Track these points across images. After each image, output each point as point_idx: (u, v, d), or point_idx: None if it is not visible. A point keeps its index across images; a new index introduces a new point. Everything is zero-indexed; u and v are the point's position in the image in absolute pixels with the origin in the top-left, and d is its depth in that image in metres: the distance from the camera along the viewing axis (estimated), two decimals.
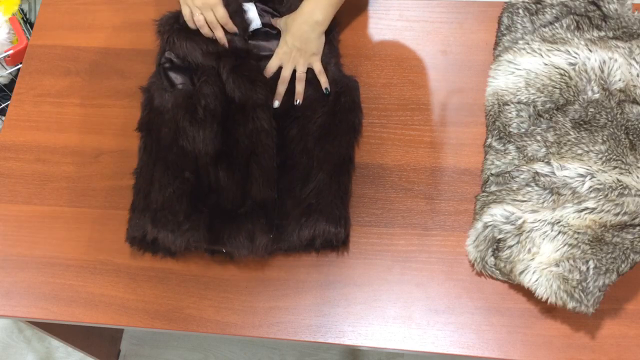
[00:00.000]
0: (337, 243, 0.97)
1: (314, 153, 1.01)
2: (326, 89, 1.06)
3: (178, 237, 0.95)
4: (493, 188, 0.98)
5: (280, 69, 1.08)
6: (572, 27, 1.06)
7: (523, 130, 1.01)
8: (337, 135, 1.03)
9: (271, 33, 1.13)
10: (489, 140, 1.03)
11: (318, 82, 1.07)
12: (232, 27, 1.06)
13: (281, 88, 1.07)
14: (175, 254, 0.98)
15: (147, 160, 1.02)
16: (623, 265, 0.87)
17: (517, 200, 0.94)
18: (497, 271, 0.94)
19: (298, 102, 1.06)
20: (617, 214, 0.88)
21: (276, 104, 1.06)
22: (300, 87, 1.07)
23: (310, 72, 1.08)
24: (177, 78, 1.08)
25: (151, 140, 1.03)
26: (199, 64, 1.07)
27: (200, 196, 0.97)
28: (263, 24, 1.13)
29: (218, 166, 0.99)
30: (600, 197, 0.90)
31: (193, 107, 1.02)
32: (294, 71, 1.08)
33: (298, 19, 1.05)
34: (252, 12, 1.11)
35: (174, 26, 1.09)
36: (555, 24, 1.08)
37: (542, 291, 0.88)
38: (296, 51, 1.06)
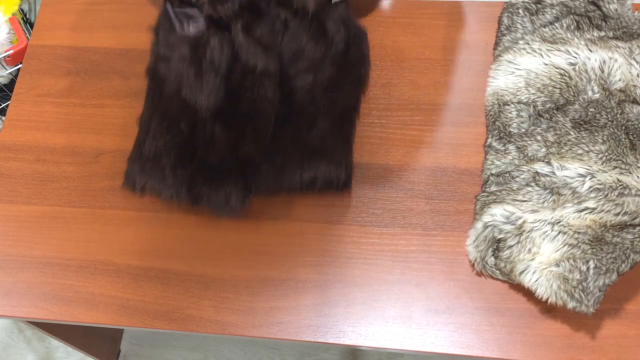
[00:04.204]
0: (337, 185, 1.00)
1: (321, 102, 1.03)
2: None
3: (163, 189, 0.99)
4: (493, 188, 0.98)
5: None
6: (572, 27, 1.06)
7: (523, 130, 1.01)
8: (343, 86, 1.05)
9: None
10: (489, 140, 1.03)
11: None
12: None
13: None
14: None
15: (148, 108, 1.05)
16: (623, 265, 0.87)
17: (517, 200, 0.94)
18: (497, 271, 0.94)
19: None
20: (618, 214, 0.88)
21: None
22: None
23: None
24: (187, 18, 1.05)
25: (154, 87, 1.05)
26: (210, 11, 1.03)
27: (190, 149, 1.00)
28: None
29: (216, 121, 1.00)
30: (601, 197, 0.90)
31: (198, 59, 1.01)
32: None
33: None
34: None
35: None
36: (555, 24, 1.08)
37: (542, 291, 0.88)
38: None
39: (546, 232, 0.90)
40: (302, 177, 0.99)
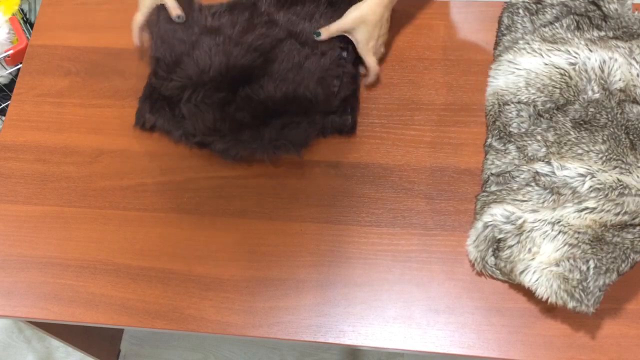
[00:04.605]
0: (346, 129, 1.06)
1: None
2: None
3: (172, 129, 1.03)
4: (493, 188, 0.98)
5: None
6: (572, 27, 1.06)
7: (523, 130, 1.01)
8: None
9: None
10: (489, 140, 1.03)
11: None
12: None
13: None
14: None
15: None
16: (623, 265, 0.87)
17: (518, 200, 0.94)
18: (498, 271, 0.94)
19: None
20: (618, 214, 0.88)
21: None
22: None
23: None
24: None
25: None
26: None
27: (202, 91, 1.00)
28: None
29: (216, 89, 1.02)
30: (601, 196, 0.90)
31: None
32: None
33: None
34: None
35: None
36: (556, 24, 1.07)
37: (542, 291, 0.88)
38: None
39: (546, 231, 0.90)
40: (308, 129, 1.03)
